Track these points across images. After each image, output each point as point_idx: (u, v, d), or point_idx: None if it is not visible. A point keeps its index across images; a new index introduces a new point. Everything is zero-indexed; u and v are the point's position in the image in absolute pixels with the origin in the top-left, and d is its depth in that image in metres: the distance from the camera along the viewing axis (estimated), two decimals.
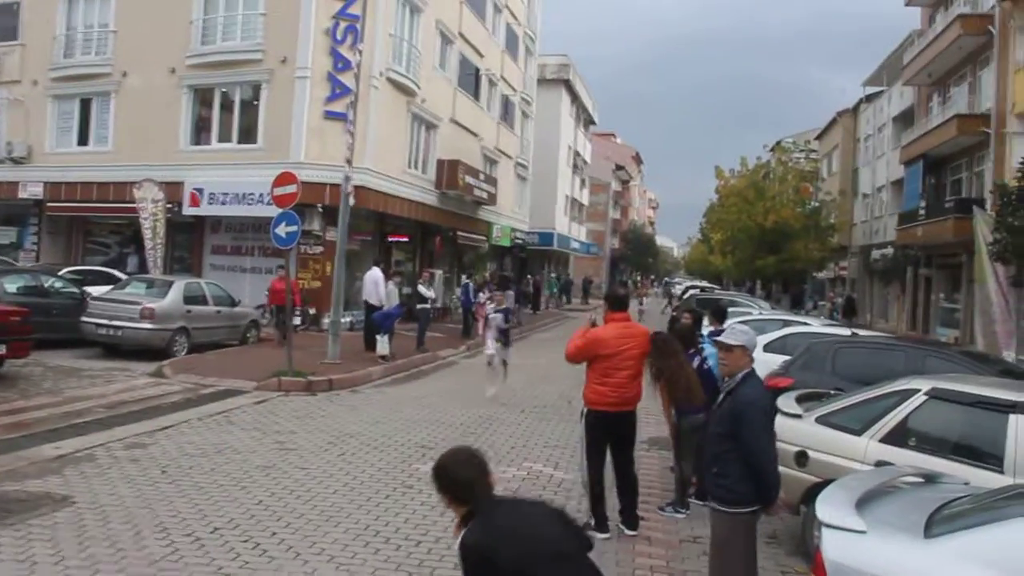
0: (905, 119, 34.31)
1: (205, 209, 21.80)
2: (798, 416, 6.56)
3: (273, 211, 14.31)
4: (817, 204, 42.17)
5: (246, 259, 22.68)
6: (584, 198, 58.36)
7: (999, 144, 23.27)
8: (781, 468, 5.00)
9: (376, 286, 17.21)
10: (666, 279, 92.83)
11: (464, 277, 28.11)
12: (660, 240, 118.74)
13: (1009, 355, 16.62)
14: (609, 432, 6.64)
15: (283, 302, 15.31)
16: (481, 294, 20.73)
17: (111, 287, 17.47)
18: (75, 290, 16.76)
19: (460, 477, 3.00)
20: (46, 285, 16.26)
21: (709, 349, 7.73)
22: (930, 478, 5.10)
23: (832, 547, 3.96)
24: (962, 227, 22.75)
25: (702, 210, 56.98)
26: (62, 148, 24.47)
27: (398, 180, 23.37)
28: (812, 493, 5.71)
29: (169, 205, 21.53)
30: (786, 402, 6.86)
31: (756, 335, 5.28)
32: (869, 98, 41.45)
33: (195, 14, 22.31)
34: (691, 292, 35.64)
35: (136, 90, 23.03)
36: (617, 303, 6.90)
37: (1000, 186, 18.31)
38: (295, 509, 6.72)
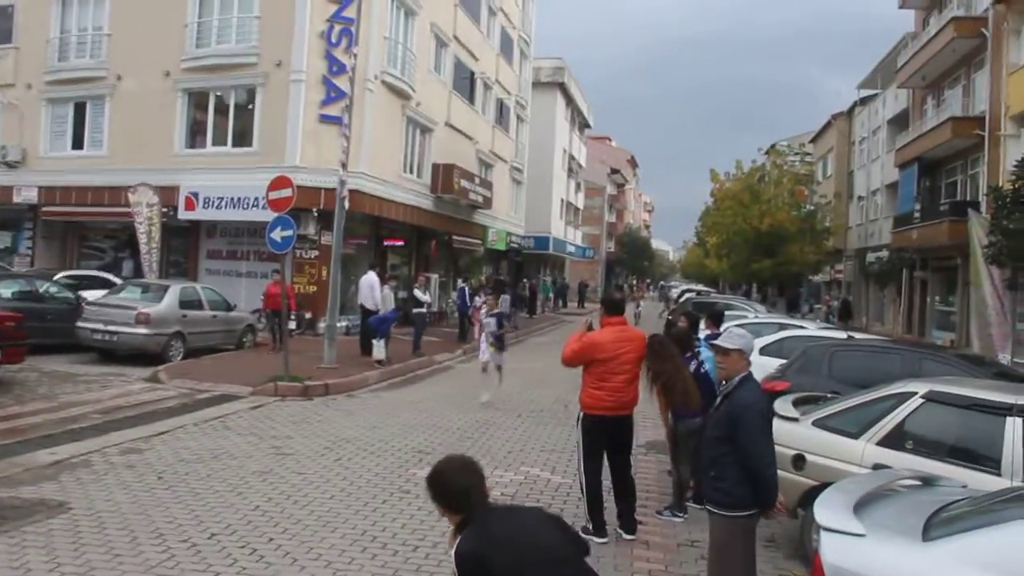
0: (899, 122, 34.39)
1: (200, 213, 21.75)
2: (795, 419, 6.57)
3: (268, 215, 14.28)
4: (812, 207, 42.27)
5: (242, 263, 22.63)
6: (579, 202, 58.40)
7: (993, 147, 23.35)
8: (778, 472, 4.99)
9: (372, 290, 17.21)
10: (662, 283, 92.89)
11: (460, 281, 28.09)
12: (656, 244, 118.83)
13: (1005, 358, 16.69)
14: (606, 436, 6.63)
15: (278, 306, 15.29)
16: (477, 298, 20.72)
17: (106, 292, 17.43)
18: (70, 295, 16.73)
19: (454, 486, 2.99)
20: (41, 290, 16.23)
21: (705, 353, 7.73)
22: (928, 481, 5.10)
23: (831, 550, 3.96)
24: (957, 230, 22.80)
25: (697, 213, 57.05)
26: (56, 152, 24.40)
27: (393, 184, 23.36)
28: (810, 496, 5.71)
29: (164, 209, 21.48)
30: (783, 405, 6.86)
31: (752, 338, 5.28)
32: (863, 101, 41.54)
33: (190, 17, 22.30)
34: (687, 296, 35.65)
35: (131, 93, 22.99)
36: (613, 307, 6.91)
37: (995, 189, 18.35)
38: (292, 515, 6.70)
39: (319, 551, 5.90)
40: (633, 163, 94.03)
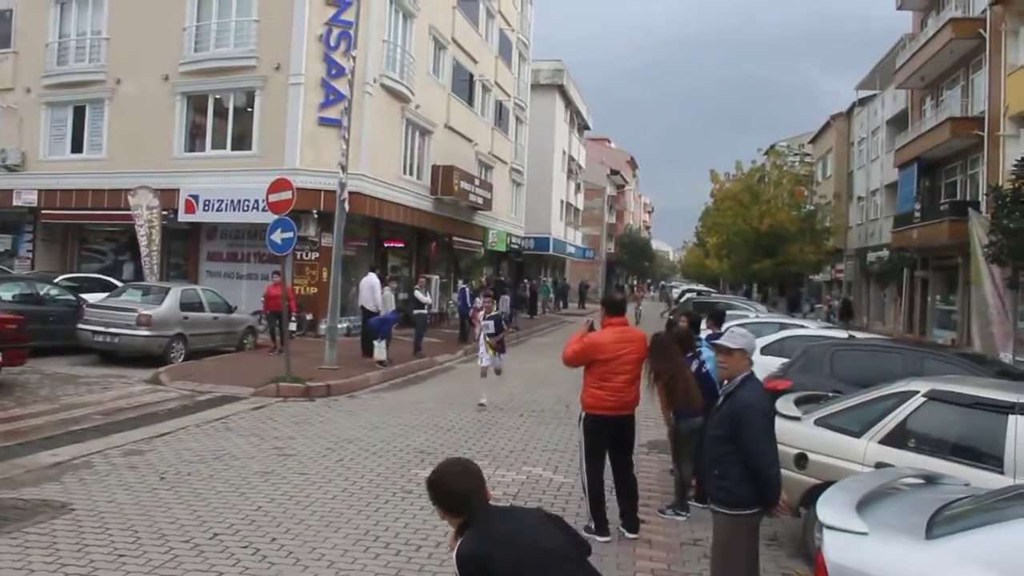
0: (898, 122, 34.41)
1: (200, 216, 21.76)
2: (797, 419, 6.57)
3: (268, 217, 14.29)
4: (812, 207, 42.26)
5: (242, 265, 22.63)
6: (579, 203, 58.41)
7: (993, 147, 23.36)
8: (781, 470, 5.00)
9: (372, 292, 17.23)
10: (662, 283, 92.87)
11: (460, 282, 28.10)
12: (656, 244, 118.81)
13: (1006, 356, 16.66)
14: (607, 436, 6.63)
15: (279, 308, 15.30)
16: (478, 299, 20.72)
17: (107, 294, 17.45)
18: (71, 297, 16.75)
19: (454, 489, 3.00)
20: (42, 293, 16.25)
21: (707, 352, 7.74)
22: (930, 479, 5.10)
23: (834, 549, 3.95)
24: (957, 229, 22.80)
25: (697, 214, 57.13)
26: (56, 155, 24.43)
27: (393, 186, 23.37)
28: (812, 495, 5.71)
29: (164, 212, 21.49)
30: (785, 405, 6.86)
31: (754, 338, 5.28)
32: (862, 101, 41.55)
33: (188, 21, 22.30)
34: (687, 296, 35.65)
35: (130, 97, 23.00)
36: (614, 308, 6.90)
37: (995, 188, 18.35)
38: (295, 515, 6.70)
39: (322, 551, 5.91)
40: (633, 164, 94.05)
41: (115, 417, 10.54)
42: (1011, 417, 5.53)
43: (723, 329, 8.48)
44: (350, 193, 16.99)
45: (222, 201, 21.26)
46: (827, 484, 5.14)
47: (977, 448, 5.75)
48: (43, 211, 24.29)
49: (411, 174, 25.20)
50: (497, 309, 15.67)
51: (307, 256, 21.12)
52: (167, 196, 21.51)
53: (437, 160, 26.68)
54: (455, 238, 29.82)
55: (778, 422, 6.24)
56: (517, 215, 40.22)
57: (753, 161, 45.37)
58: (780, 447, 5.07)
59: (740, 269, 45.91)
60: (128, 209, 21.41)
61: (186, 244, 23.34)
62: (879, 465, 5.73)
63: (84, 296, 17.08)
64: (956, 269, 26.37)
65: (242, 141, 22.00)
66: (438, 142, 27.00)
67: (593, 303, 44.93)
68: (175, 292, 16.41)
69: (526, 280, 40.62)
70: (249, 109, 21.96)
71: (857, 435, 6.12)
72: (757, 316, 19.38)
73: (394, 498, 7.34)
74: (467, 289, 23.46)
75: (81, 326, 15.36)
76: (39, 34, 24.31)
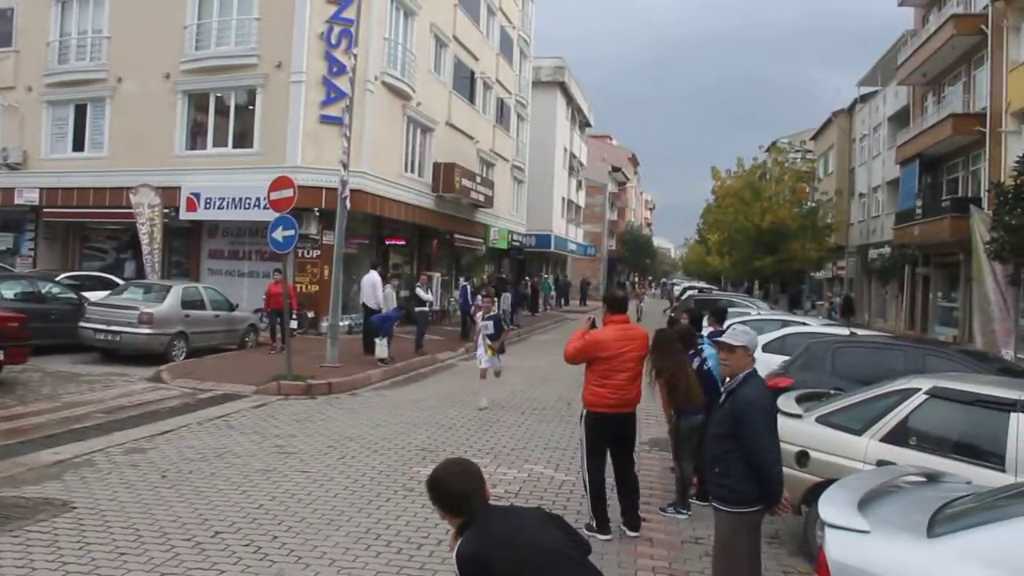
0: (900, 119, 34.38)
1: (202, 214, 21.78)
2: (798, 416, 6.56)
3: (270, 215, 14.30)
4: (814, 204, 42.22)
5: (243, 263, 22.65)
6: (581, 200, 58.37)
7: (995, 143, 23.35)
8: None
9: (374, 289, 17.23)
10: (664, 280, 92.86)
11: (462, 280, 28.11)
12: (657, 241, 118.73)
13: (1008, 353, 16.64)
14: (609, 434, 6.62)
15: (280, 306, 15.31)
16: (479, 297, 20.70)
17: (109, 292, 17.46)
18: (73, 295, 16.75)
19: (454, 489, 3.00)
20: (43, 291, 16.26)
21: (708, 350, 7.74)
22: (932, 477, 5.08)
23: (836, 547, 3.95)
24: (959, 226, 22.79)
25: (699, 211, 57.04)
26: (57, 154, 24.44)
27: (394, 183, 23.37)
28: (814, 493, 5.71)
29: (166, 210, 21.50)
30: (786, 402, 6.84)
31: (756, 335, 5.27)
32: (864, 98, 41.52)
33: (189, 19, 22.30)
34: (689, 293, 35.64)
35: (131, 95, 23.01)
36: (616, 305, 6.87)
37: (997, 185, 18.33)
38: (296, 513, 6.71)
39: (323, 549, 5.91)
40: (634, 161, 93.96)
41: (117, 415, 10.55)
42: (1013, 415, 5.52)
43: (725, 326, 8.49)
44: (351, 191, 16.99)
45: (223, 199, 21.29)
46: (828, 482, 5.13)
47: (979, 446, 5.74)
48: (45, 209, 24.33)
49: (412, 172, 25.19)
50: (498, 307, 15.60)
51: (308, 254, 21.13)
52: (168, 194, 21.52)
53: (438, 157, 26.67)
54: (456, 235, 29.83)
55: (780, 420, 6.25)
56: (518, 212, 40.21)
57: (755, 158, 45.35)
58: (781, 445, 5.07)
59: (741, 266, 45.87)
60: (129, 207, 21.42)
61: (187, 242, 23.35)
62: (880, 463, 5.72)
63: (86, 294, 17.09)
64: (958, 266, 26.36)
65: (243, 139, 22.00)
66: (439, 139, 26.99)
67: (594, 300, 44.89)
68: (176, 290, 16.41)
69: (527, 277, 40.63)
70: (250, 107, 21.97)
71: (858, 433, 6.11)
72: (759, 313, 19.37)
73: (396, 496, 7.34)
74: (468, 287, 23.45)
75: (83, 324, 15.36)
76: (40, 33, 24.32)
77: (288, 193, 13.77)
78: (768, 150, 47.90)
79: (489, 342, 12.54)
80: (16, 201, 24.39)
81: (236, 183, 20.92)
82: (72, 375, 13.60)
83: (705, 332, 9.24)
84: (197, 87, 22.44)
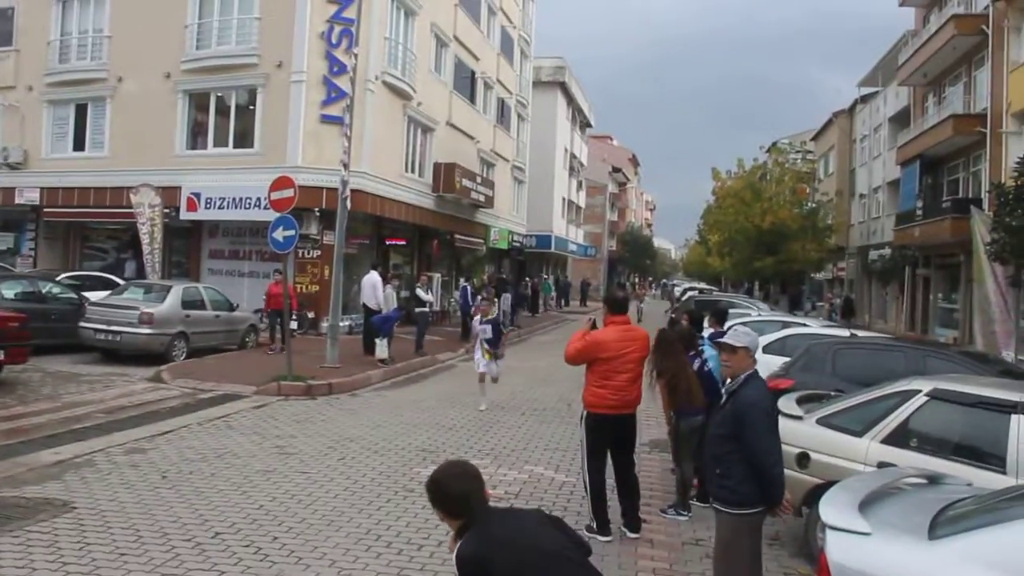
0: (901, 120, 34.37)
1: (202, 214, 21.78)
2: (799, 418, 6.55)
3: (270, 215, 14.30)
4: (814, 205, 42.21)
5: (244, 263, 22.65)
6: (581, 200, 58.37)
7: (995, 144, 23.34)
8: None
9: (374, 290, 17.23)
10: (664, 281, 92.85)
11: (462, 280, 28.10)
12: (658, 242, 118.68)
13: (1008, 355, 16.64)
14: (609, 435, 6.62)
15: (280, 306, 15.30)
16: (480, 298, 20.66)
17: (109, 292, 17.46)
18: (73, 295, 16.75)
19: (453, 491, 3.00)
20: (44, 291, 16.26)
21: (709, 351, 7.74)
22: (933, 479, 5.08)
23: (836, 549, 3.95)
24: (959, 227, 22.78)
25: (699, 212, 57.01)
26: (58, 153, 24.44)
27: (395, 183, 23.37)
28: (814, 495, 5.71)
29: (166, 210, 21.50)
30: (787, 404, 6.84)
31: (758, 336, 5.27)
32: (864, 99, 41.51)
33: (190, 19, 22.30)
34: (689, 294, 35.63)
35: (132, 95, 23.01)
36: (617, 306, 6.86)
37: (997, 186, 18.32)
38: (296, 513, 6.70)
39: (324, 550, 5.91)
40: (635, 162, 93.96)
41: (117, 415, 10.55)
42: (1014, 417, 5.51)
43: (726, 327, 8.50)
44: (352, 191, 17.00)
45: (224, 199, 21.29)
46: (829, 484, 5.13)
47: (979, 448, 5.73)
48: (45, 209, 24.33)
49: (413, 172, 25.19)
50: (498, 308, 15.54)
51: (309, 254, 21.13)
52: (169, 194, 21.52)
53: (439, 157, 26.67)
54: (457, 236, 29.82)
55: (780, 421, 6.25)
56: (519, 213, 40.20)
57: (755, 159, 45.36)
58: (782, 446, 5.07)
59: (742, 267, 45.89)
60: (130, 207, 21.42)
61: (188, 242, 23.35)
62: (881, 465, 5.72)
63: (86, 294, 17.09)
64: (958, 267, 26.35)
65: (244, 139, 22.00)
66: (440, 139, 26.98)
67: (595, 301, 44.91)
68: (177, 290, 16.41)
69: (528, 278, 40.64)
70: (251, 107, 21.97)
71: (859, 435, 6.10)
72: (759, 314, 19.38)
73: (396, 497, 7.34)
74: (469, 287, 23.45)
75: (83, 324, 15.36)
76: (41, 32, 24.32)
77: (288, 193, 13.76)
78: (768, 151, 47.91)
79: (487, 347, 12.33)
80: (17, 201, 24.39)
81: (236, 183, 20.92)
82: (72, 375, 13.60)
83: (706, 333, 9.23)
84: (198, 87, 22.44)
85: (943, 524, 3.94)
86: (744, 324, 9.73)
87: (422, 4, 24.58)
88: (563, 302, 47.18)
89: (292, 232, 13.51)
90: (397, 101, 23.54)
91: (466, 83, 30.15)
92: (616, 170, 75.05)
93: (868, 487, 4.57)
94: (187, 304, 16.28)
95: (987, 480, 5.19)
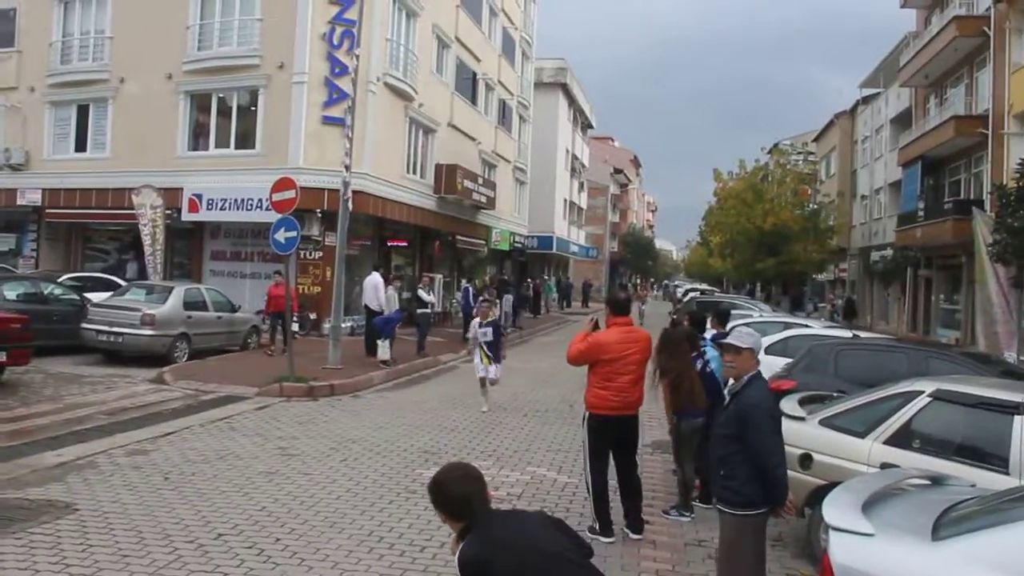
0: (902, 121, 34.35)
1: (204, 215, 21.79)
2: (801, 419, 6.55)
3: (272, 216, 14.31)
4: (816, 206, 42.20)
5: (246, 264, 22.66)
6: (583, 202, 58.39)
7: (997, 145, 23.31)
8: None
9: (376, 291, 17.23)
10: (666, 282, 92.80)
11: (464, 281, 28.11)
12: (659, 243, 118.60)
13: (1011, 356, 16.62)
14: (611, 436, 6.61)
15: (281, 308, 15.29)
16: (481, 299, 20.64)
17: (111, 293, 17.46)
18: (75, 297, 16.77)
19: (455, 493, 3.00)
20: (46, 292, 16.28)
21: (711, 352, 7.73)
22: (936, 480, 5.08)
23: (840, 550, 3.94)
24: (961, 228, 22.76)
25: (701, 213, 56.98)
26: (60, 155, 24.46)
27: (397, 185, 23.37)
28: (817, 496, 5.70)
29: (168, 211, 21.52)
30: (789, 404, 6.84)
31: (761, 337, 5.27)
32: (866, 100, 41.49)
33: (191, 20, 22.32)
34: (691, 295, 35.60)
35: (133, 96, 23.03)
36: (619, 307, 6.85)
37: (999, 187, 18.31)
38: (299, 515, 6.70)
39: (326, 552, 5.91)
40: (636, 163, 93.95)
41: (119, 417, 10.55)
42: (1016, 417, 5.51)
43: (728, 328, 8.49)
44: (354, 192, 17.01)
45: (226, 200, 21.30)
46: (832, 485, 5.12)
47: (982, 449, 5.73)
48: (47, 210, 24.35)
49: (414, 173, 25.20)
50: (500, 309, 15.51)
51: (311, 255, 21.13)
52: (171, 195, 21.54)
53: (440, 159, 26.67)
54: (458, 237, 29.82)
55: (782, 422, 6.25)
56: (520, 214, 40.20)
57: (757, 160, 45.33)
58: (785, 447, 5.06)
59: (744, 268, 45.84)
60: (132, 208, 21.45)
61: (190, 243, 23.37)
62: (884, 466, 5.72)
63: (88, 295, 17.11)
64: (960, 268, 26.33)
65: (246, 140, 22.01)
66: (441, 141, 26.99)
67: (596, 302, 44.89)
68: (179, 291, 16.42)
69: (529, 279, 40.64)
70: (253, 108, 21.98)
71: (862, 435, 6.10)
72: (761, 315, 19.36)
73: (398, 498, 7.34)
74: (470, 288, 23.45)
75: (85, 325, 15.37)
76: (43, 33, 24.33)
77: (290, 194, 13.77)
78: (770, 152, 47.88)
79: (486, 350, 12.24)
80: (18, 202, 24.40)
81: (238, 184, 20.93)
82: (74, 376, 13.60)
83: (708, 334, 9.23)
84: (199, 88, 22.46)
85: (946, 525, 3.94)
86: (746, 325, 9.73)
87: (424, 5, 24.59)
88: (565, 303, 47.17)
89: (294, 233, 13.51)
90: (399, 102, 23.55)
91: (468, 84, 30.16)
92: (618, 171, 75.05)
93: (871, 488, 4.56)
94: (189, 305, 16.28)
95: (990, 481, 5.18)
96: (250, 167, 20.94)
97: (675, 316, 18.97)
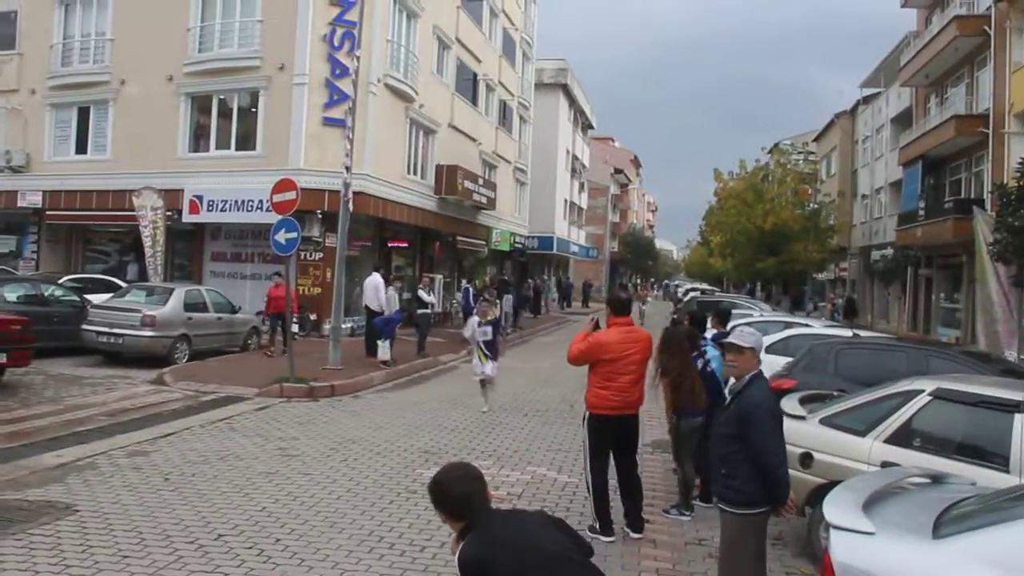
0: (903, 120, 34.34)
1: (204, 216, 21.79)
2: (802, 418, 6.54)
3: (272, 218, 14.31)
4: (816, 206, 42.20)
5: (246, 266, 22.65)
6: (583, 202, 58.39)
7: (998, 144, 23.30)
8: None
9: (376, 292, 17.23)
10: (666, 282, 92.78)
11: (464, 282, 28.10)
12: (660, 243, 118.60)
13: (1011, 355, 16.61)
14: (611, 436, 6.61)
15: (280, 309, 15.28)
16: (481, 299, 20.63)
17: (111, 295, 17.46)
18: (75, 298, 16.77)
19: (455, 493, 3.00)
20: (46, 293, 16.27)
21: (712, 352, 7.73)
22: (937, 479, 5.07)
23: (841, 549, 3.94)
24: (961, 227, 22.76)
25: (701, 213, 57.01)
26: (60, 156, 24.47)
27: (397, 185, 23.37)
28: (817, 494, 5.70)
29: (168, 212, 21.52)
30: (790, 404, 6.83)
31: (762, 337, 5.27)
32: (867, 100, 41.48)
33: (192, 21, 22.33)
34: (691, 295, 35.59)
35: (134, 98, 23.03)
36: (620, 307, 6.85)
37: (1000, 186, 18.31)
38: (299, 515, 6.70)
39: (326, 552, 5.90)
40: (636, 163, 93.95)
41: (119, 418, 10.55)
42: (1017, 416, 5.51)
43: (728, 328, 8.49)
44: (354, 193, 17.02)
45: (226, 201, 21.30)
46: (832, 483, 5.12)
47: (983, 447, 5.73)
48: (48, 212, 24.35)
49: (415, 174, 25.20)
50: (500, 310, 15.51)
51: (311, 256, 21.13)
52: (171, 197, 21.54)
53: (441, 160, 26.66)
54: (459, 237, 29.81)
55: (784, 421, 6.24)
56: (521, 214, 40.20)
57: (757, 160, 45.34)
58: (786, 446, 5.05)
59: (744, 268, 45.85)
60: (132, 210, 21.45)
61: (190, 245, 23.37)
62: (885, 464, 5.71)
63: (88, 297, 17.10)
64: (960, 267, 26.32)
65: (246, 141, 22.01)
66: (442, 142, 26.99)
67: (597, 302, 44.89)
68: (179, 293, 16.42)
69: (530, 279, 40.62)
70: (253, 109, 21.99)
71: (862, 434, 6.10)
72: (761, 315, 19.36)
73: (399, 499, 7.34)
74: (470, 289, 23.45)
75: (85, 327, 15.37)
76: (44, 35, 24.35)
77: (291, 195, 13.78)
78: (770, 152, 47.88)
79: (483, 349, 12.27)
80: (19, 204, 24.40)
81: (239, 185, 20.93)
82: (75, 378, 13.60)
83: (709, 334, 9.22)
84: (200, 89, 22.46)
85: (947, 523, 3.93)
86: (747, 324, 9.72)
87: (424, 6, 24.60)
88: (565, 303, 47.17)
89: (294, 234, 13.52)
90: (399, 103, 23.55)
91: (468, 85, 30.15)
92: (618, 171, 75.05)
93: (872, 487, 4.56)
94: (189, 307, 16.28)
95: (990, 479, 5.18)
96: (251, 168, 20.94)
97: (676, 316, 18.97)
